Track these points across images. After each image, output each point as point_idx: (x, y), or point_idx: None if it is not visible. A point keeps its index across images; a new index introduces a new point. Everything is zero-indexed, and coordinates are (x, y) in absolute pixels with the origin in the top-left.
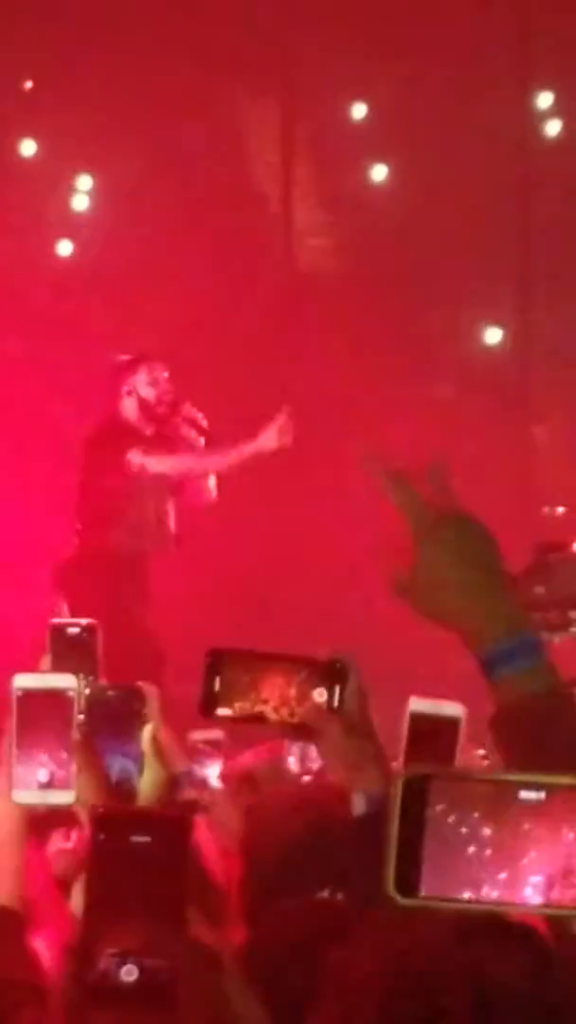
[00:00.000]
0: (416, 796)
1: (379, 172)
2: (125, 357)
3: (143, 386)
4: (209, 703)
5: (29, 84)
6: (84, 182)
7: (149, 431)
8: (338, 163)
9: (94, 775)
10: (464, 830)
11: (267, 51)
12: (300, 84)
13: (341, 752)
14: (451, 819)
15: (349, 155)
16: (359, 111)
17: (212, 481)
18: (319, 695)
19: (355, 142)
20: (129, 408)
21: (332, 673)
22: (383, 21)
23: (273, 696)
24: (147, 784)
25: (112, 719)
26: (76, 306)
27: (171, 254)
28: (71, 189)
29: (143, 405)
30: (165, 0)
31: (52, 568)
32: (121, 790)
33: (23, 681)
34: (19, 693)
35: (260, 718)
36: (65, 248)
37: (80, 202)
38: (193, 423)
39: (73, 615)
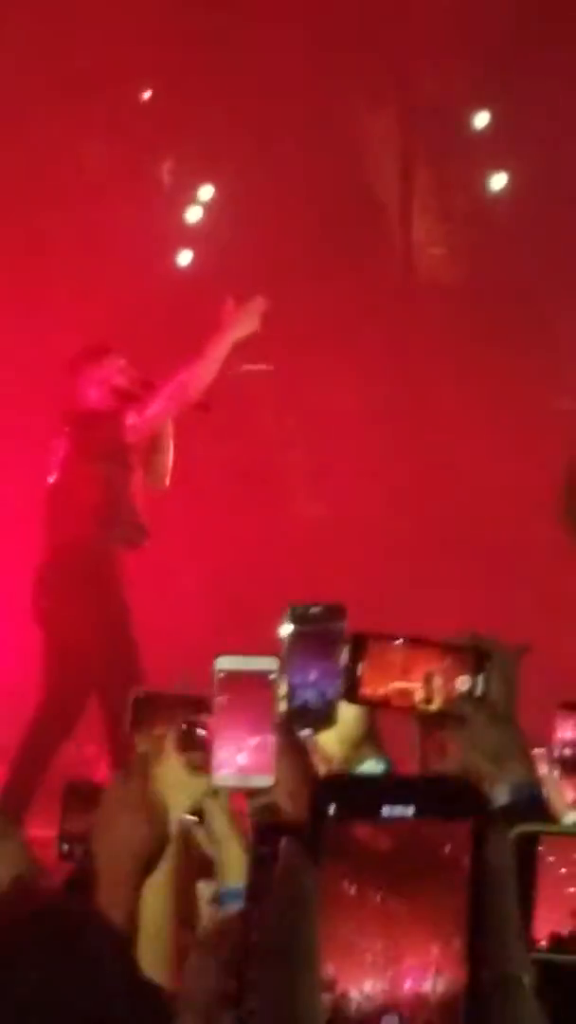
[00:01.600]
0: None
1: (499, 181)
2: (86, 348)
3: (115, 374)
4: (351, 687)
5: (147, 94)
6: (205, 192)
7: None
8: (458, 173)
9: (294, 760)
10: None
11: (386, 63)
12: (419, 95)
13: (484, 742)
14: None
15: (469, 165)
16: (480, 120)
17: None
18: (463, 682)
19: (475, 152)
20: (100, 398)
21: (477, 660)
22: (501, 31)
23: (415, 682)
24: (349, 716)
25: (314, 637)
26: (196, 316)
27: (293, 266)
28: (192, 201)
29: (117, 393)
30: (285, 16)
31: (32, 568)
32: (311, 716)
33: (225, 663)
34: (221, 675)
35: (402, 704)
36: (184, 258)
37: (198, 213)
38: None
39: (53, 614)
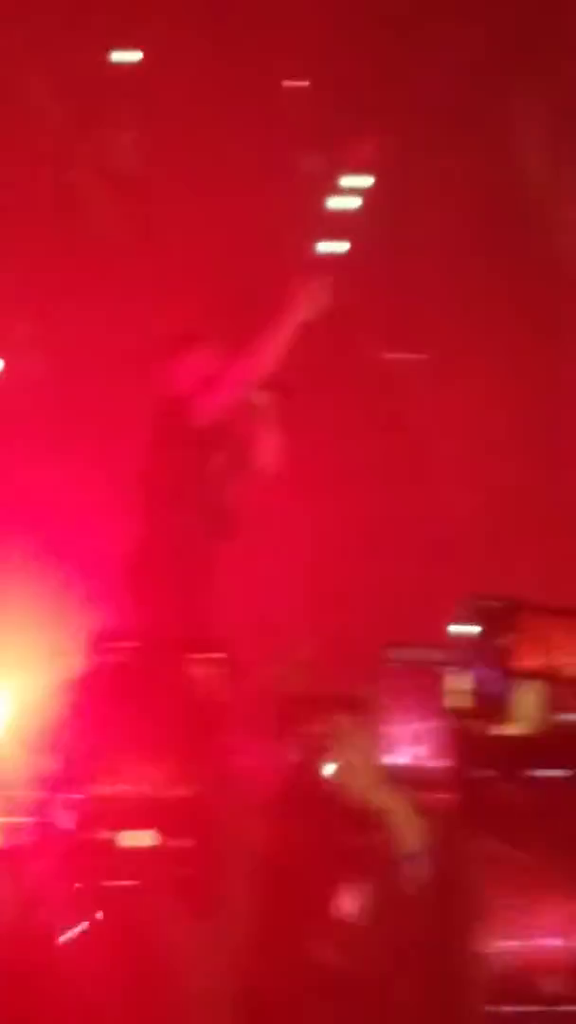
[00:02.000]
0: None
1: None
2: (179, 335)
3: (206, 363)
4: (503, 654)
5: (301, 83)
6: (359, 181)
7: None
8: None
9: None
10: None
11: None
12: None
13: None
14: None
15: None
16: None
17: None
18: None
19: None
20: (189, 386)
21: None
22: None
23: (566, 651)
24: (528, 703)
25: (491, 623)
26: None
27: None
28: (345, 189)
29: (207, 381)
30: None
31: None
32: (485, 701)
33: (396, 653)
34: (392, 665)
35: (552, 671)
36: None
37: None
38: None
39: (140, 604)
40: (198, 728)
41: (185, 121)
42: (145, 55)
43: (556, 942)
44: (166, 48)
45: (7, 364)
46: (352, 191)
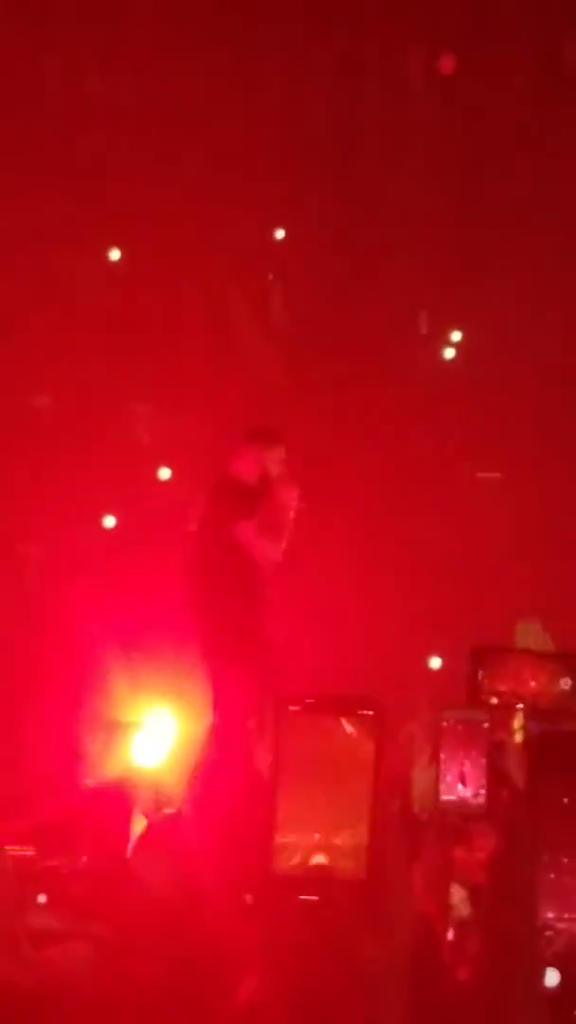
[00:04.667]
0: None
1: None
2: (260, 428)
3: (273, 463)
4: (473, 691)
5: None
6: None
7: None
8: None
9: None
10: None
11: None
12: None
13: None
14: None
15: None
16: None
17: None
18: (564, 684)
19: None
20: (251, 474)
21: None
22: None
23: (526, 685)
24: None
25: None
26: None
27: None
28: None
29: (266, 478)
30: None
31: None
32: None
33: (450, 714)
34: (445, 723)
35: (515, 704)
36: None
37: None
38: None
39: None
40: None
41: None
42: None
43: None
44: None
45: None
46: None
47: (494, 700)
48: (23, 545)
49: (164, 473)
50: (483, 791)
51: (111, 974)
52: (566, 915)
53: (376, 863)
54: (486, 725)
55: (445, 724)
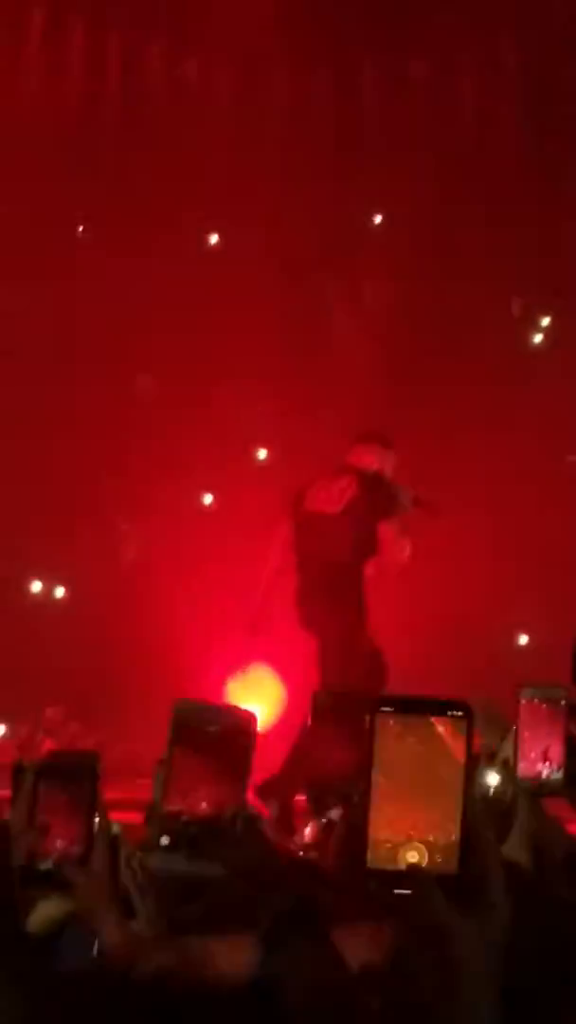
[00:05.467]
0: None
1: None
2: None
3: (390, 465)
4: None
5: None
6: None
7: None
8: None
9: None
10: None
11: None
12: None
13: None
14: None
15: None
16: None
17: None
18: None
19: None
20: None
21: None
22: None
23: None
24: None
25: None
26: None
27: None
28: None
29: (378, 477)
30: None
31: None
32: None
33: (527, 692)
34: (523, 701)
35: None
36: None
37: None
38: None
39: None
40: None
41: None
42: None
43: None
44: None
45: None
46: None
47: None
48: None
49: (261, 454)
50: (561, 768)
51: None
52: None
53: (470, 859)
54: (563, 703)
55: (523, 702)
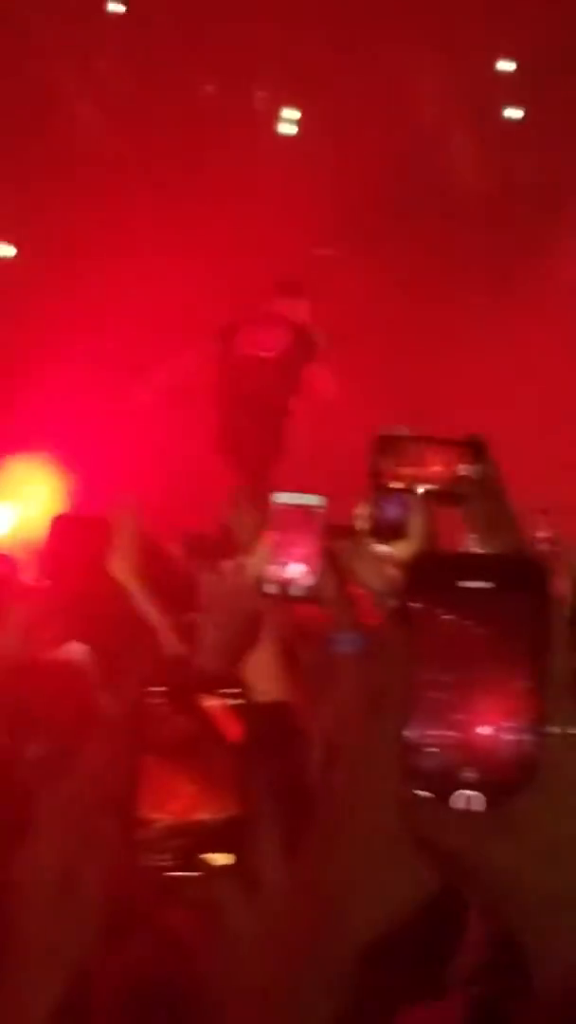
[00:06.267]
0: None
1: None
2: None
3: (306, 310)
4: (376, 476)
5: None
6: None
7: None
8: None
9: (333, 579)
10: None
11: None
12: None
13: (483, 514)
14: None
15: None
16: None
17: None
18: (464, 468)
19: None
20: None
21: (473, 449)
22: None
23: (426, 471)
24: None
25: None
26: None
27: None
28: None
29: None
30: None
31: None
32: (392, 526)
33: (281, 498)
34: (277, 507)
35: (415, 488)
36: None
37: None
38: None
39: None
40: None
41: None
42: None
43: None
44: None
45: None
46: None
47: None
48: None
49: None
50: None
51: None
52: (441, 732)
53: None
54: (320, 510)
55: (275, 508)
